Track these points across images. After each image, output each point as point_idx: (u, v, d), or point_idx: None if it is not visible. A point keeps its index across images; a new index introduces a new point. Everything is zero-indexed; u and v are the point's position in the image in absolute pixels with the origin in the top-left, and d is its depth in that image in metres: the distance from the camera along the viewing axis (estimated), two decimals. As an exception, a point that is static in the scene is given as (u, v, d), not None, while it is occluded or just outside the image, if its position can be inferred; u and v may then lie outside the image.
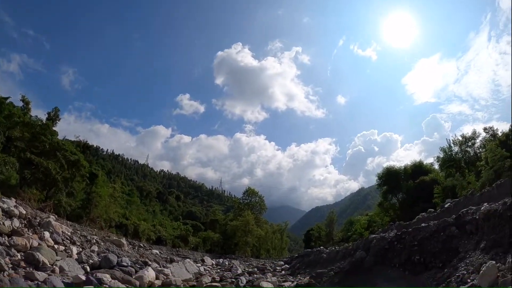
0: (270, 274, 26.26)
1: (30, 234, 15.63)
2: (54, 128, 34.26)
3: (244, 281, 19.73)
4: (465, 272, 10.74)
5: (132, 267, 16.28)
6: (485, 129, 41.85)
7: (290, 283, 20.31)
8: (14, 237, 13.84)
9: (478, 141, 42.85)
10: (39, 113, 61.30)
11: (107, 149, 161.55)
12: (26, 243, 13.78)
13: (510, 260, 9.38)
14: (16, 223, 15.80)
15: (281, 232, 70.69)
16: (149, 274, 15.23)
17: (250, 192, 69.88)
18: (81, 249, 18.34)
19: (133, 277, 14.64)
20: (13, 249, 13.00)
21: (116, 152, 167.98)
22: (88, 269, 14.80)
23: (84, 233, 23.82)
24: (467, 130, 53.03)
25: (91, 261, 16.00)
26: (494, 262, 9.58)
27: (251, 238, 58.68)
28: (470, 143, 43.41)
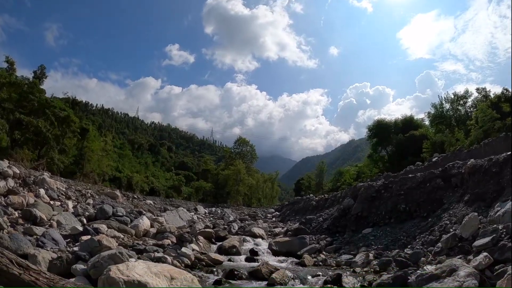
0: (261, 221, 27.02)
1: (26, 192, 15.78)
2: (41, 87, 33.58)
3: (236, 227, 20.34)
4: (448, 222, 11.29)
5: (127, 217, 16.68)
6: (477, 89, 42.25)
7: (281, 228, 21.02)
8: (10, 196, 14.03)
9: (469, 101, 43.19)
10: (25, 72, 60.12)
11: (97, 104, 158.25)
12: (22, 201, 13.96)
13: (492, 213, 9.85)
14: (11, 183, 15.93)
15: (271, 181, 71.45)
16: (144, 222, 15.61)
17: (241, 142, 70.20)
18: (76, 203, 18.66)
19: (129, 226, 15.01)
20: (10, 208, 13.20)
21: (106, 106, 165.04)
22: (85, 221, 15.11)
23: (78, 188, 24.05)
24: (460, 89, 53.28)
25: (87, 213, 16.33)
26: (476, 214, 10.07)
27: (242, 187, 59.44)
28: (461, 102, 43.62)
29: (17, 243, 9.11)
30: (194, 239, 13.82)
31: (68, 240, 11.48)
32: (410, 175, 16.07)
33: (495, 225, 8.81)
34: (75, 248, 9.92)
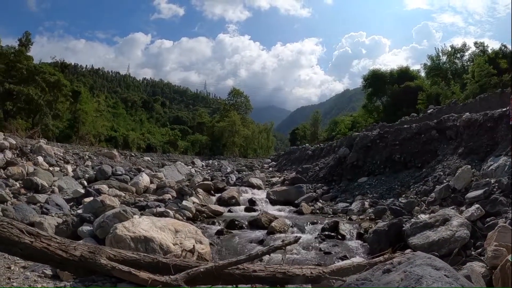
0: (258, 171, 27.40)
1: (24, 162, 15.64)
2: (28, 54, 32.95)
3: (234, 179, 20.70)
4: (442, 174, 11.57)
5: (127, 175, 16.74)
6: (475, 43, 41.80)
7: (278, 178, 21.40)
8: (9, 168, 13.95)
9: (467, 55, 43.01)
10: (9, 42, 57.96)
11: (86, 65, 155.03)
12: (22, 171, 13.86)
13: (485, 167, 10.17)
14: (9, 154, 15.85)
15: (267, 131, 71.44)
16: (144, 179, 15.69)
17: (235, 93, 69.49)
18: (75, 167, 18.63)
19: (129, 184, 15.09)
20: (11, 179, 13.11)
21: (96, 67, 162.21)
22: (85, 183, 15.07)
23: (76, 151, 23.99)
24: (458, 42, 52.81)
25: (87, 175, 16.32)
26: (469, 167, 10.36)
27: (238, 138, 59.60)
28: (458, 55, 43.42)
29: (22, 213, 9.24)
30: (193, 192, 14.04)
31: (71, 203, 11.58)
32: (405, 126, 16.22)
33: (487, 179, 9.08)
34: (79, 211, 10.00)
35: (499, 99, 16.35)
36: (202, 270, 4.58)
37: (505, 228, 5.67)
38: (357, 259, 6.35)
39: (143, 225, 6.95)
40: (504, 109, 11.79)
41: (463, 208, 8.37)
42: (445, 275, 3.45)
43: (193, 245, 6.44)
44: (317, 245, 8.42)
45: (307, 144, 36.10)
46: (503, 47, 35.80)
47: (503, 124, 11.35)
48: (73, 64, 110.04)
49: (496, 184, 8.55)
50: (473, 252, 6.30)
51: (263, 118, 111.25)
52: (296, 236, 7.25)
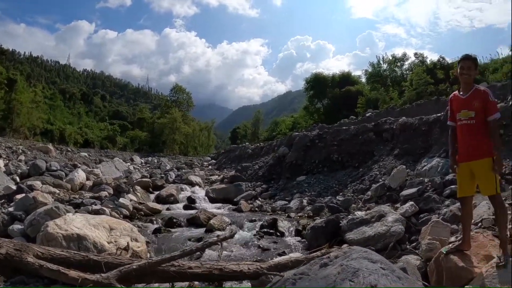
0: (197, 169, 27.08)
1: None
2: None
3: (173, 176, 20.33)
4: (378, 173, 11.93)
5: (62, 171, 15.96)
6: (415, 54, 44.38)
7: (217, 176, 21.26)
8: None
9: (406, 64, 45.46)
10: None
11: (24, 52, 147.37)
12: None
13: (419, 167, 10.58)
14: None
15: (208, 129, 71.19)
16: (80, 175, 15.01)
17: (177, 89, 68.93)
18: (8, 161, 17.62)
19: (64, 180, 14.41)
20: None
21: (35, 54, 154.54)
22: (18, 179, 14.22)
23: (8, 144, 22.93)
24: (399, 52, 55.73)
25: (19, 171, 15.45)
26: (404, 167, 10.75)
27: (178, 136, 58.99)
28: (399, 64, 45.63)
29: None
30: (131, 189, 13.61)
31: (2, 201, 10.78)
32: (344, 128, 16.59)
33: (421, 178, 9.51)
34: (10, 209, 9.37)
35: (434, 106, 17.06)
36: (134, 267, 4.38)
37: (437, 222, 5.87)
38: (295, 255, 6.37)
39: (76, 222, 6.61)
40: (438, 114, 12.32)
41: (398, 205, 8.62)
42: (381, 267, 3.50)
43: (128, 243, 6.22)
44: (256, 242, 8.35)
45: (247, 143, 36.19)
46: (441, 59, 37.77)
47: (436, 128, 11.90)
48: (10, 49, 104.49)
49: (430, 183, 8.93)
50: (408, 246, 6.47)
51: (205, 116, 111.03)
52: (232, 231, 7.19)
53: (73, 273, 4.19)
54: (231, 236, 6.01)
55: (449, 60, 36.75)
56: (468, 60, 4.55)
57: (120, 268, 4.34)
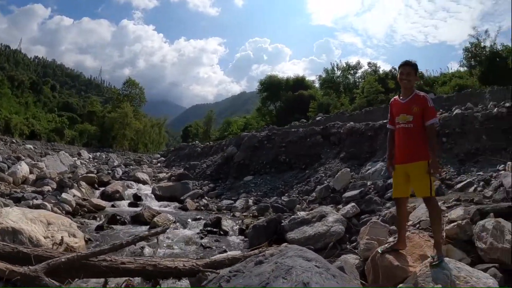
0: (146, 166, 26.66)
1: None
2: None
3: (120, 172, 19.88)
4: (323, 175, 12.11)
5: (4, 163, 15.28)
6: (369, 63, 46.46)
7: (165, 174, 20.98)
8: None
9: (360, 72, 47.09)
10: None
11: None
12: None
13: (363, 171, 10.80)
14: None
15: (159, 126, 70.12)
16: (23, 169, 14.42)
17: (130, 83, 67.20)
18: None
19: (6, 173, 13.83)
20: None
21: None
22: None
23: None
24: (354, 61, 57.91)
25: None
26: (349, 169, 10.96)
27: (129, 131, 57.72)
28: (352, 72, 47.03)
29: None
30: (76, 184, 13.21)
31: None
32: (293, 130, 16.82)
33: (364, 181, 9.74)
34: None
35: (383, 113, 17.49)
36: (63, 260, 4.15)
37: (376, 223, 5.97)
38: (233, 253, 6.31)
39: (12, 216, 6.27)
40: (385, 121, 12.63)
41: (340, 206, 8.79)
42: (315, 265, 3.51)
43: (62, 237, 5.99)
44: (199, 240, 8.26)
45: (197, 142, 35.95)
46: (393, 69, 38.83)
47: (382, 133, 12.21)
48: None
49: (372, 185, 9.17)
50: (348, 246, 6.55)
51: (157, 112, 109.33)
52: (164, 226, 7.07)
53: (0, 264, 3.96)
54: (163, 231, 5.87)
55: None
56: (408, 66, 4.63)
57: (48, 261, 4.12)
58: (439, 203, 7.30)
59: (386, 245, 5.03)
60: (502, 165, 9.43)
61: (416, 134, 4.51)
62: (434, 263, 4.15)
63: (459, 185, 8.90)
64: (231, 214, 11.46)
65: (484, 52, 30.72)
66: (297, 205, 10.46)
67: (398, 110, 4.64)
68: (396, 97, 4.84)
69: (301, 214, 7.94)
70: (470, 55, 32.13)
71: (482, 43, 31.26)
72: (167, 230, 8.84)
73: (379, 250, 4.91)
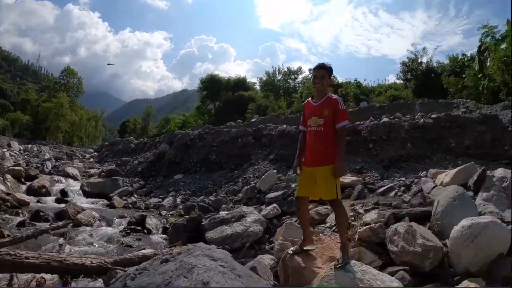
0: (77, 160, 25.75)
1: None
2: None
3: (50, 166, 19.12)
4: (252, 176, 12.22)
5: None
6: (310, 69, 46.72)
7: (96, 169, 20.40)
8: None
9: (300, 77, 48.10)
10: None
11: None
12: None
13: (291, 173, 10.96)
14: None
15: (96, 119, 67.69)
16: None
17: (68, 72, 63.68)
18: None
19: None
20: None
21: None
22: None
23: None
24: (296, 66, 59.37)
25: None
26: (275, 171, 11.11)
27: (63, 123, 54.97)
28: (293, 76, 47.81)
29: None
30: (1, 178, 12.62)
31: None
32: (225, 130, 16.84)
33: (289, 183, 9.88)
34: None
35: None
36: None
37: (291, 224, 6.06)
38: (146, 251, 6.26)
39: None
40: None
41: (263, 207, 8.84)
42: (220, 265, 3.54)
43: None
44: (121, 238, 8.09)
45: (131, 137, 35.21)
46: (333, 77, 39.76)
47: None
48: None
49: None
50: (266, 247, 6.62)
51: (95, 104, 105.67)
52: (66, 221, 6.89)
53: None
54: (65, 226, 5.74)
55: (340, 79, 39.47)
56: (322, 69, 4.64)
57: None
58: (358, 206, 7.58)
59: (296, 246, 5.11)
60: (424, 172, 9.88)
61: (326, 138, 4.53)
62: (338, 265, 4.22)
63: (380, 190, 9.21)
64: (158, 212, 11.32)
65: (420, 68, 32.81)
66: (223, 205, 10.47)
67: (310, 113, 4.67)
68: (310, 99, 4.87)
69: (222, 214, 7.95)
70: (406, 69, 34.07)
71: (419, 59, 33.30)
72: (90, 228, 8.67)
73: (289, 251, 4.97)
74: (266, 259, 5.74)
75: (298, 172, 4.81)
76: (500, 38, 22.76)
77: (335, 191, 4.45)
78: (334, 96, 4.68)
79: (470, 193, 7.16)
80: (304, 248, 4.91)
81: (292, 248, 5.02)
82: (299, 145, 4.95)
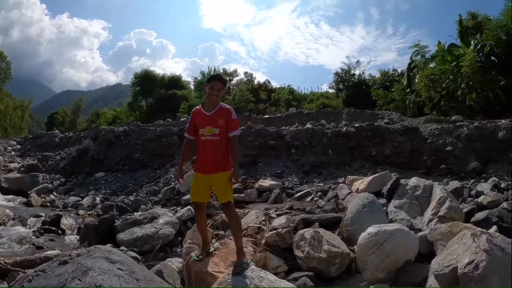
0: (-3, 154, 24.57)
1: None
2: None
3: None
4: (173, 176, 12.11)
5: None
6: (245, 73, 49.04)
7: (17, 164, 19.50)
8: None
9: (235, 80, 48.39)
10: None
11: None
12: None
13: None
14: None
15: (23, 109, 64.31)
16: None
17: (-4, 55, 60.55)
18: None
19: None
20: None
21: None
22: None
23: None
24: (234, 68, 60.65)
25: None
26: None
27: (-15, 111, 52.33)
28: (228, 78, 47.98)
29: None
30: None
31: None
32: (151, 128, 16.59)
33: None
34: None
35: (246, 120, 18.25)
36: None
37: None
38: (51, 252, 6.12)
39: None
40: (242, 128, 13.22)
41: (179, 208, 8.86)
42: (118, 268, 3.55)
43: None
44: (34, 238, 7.81)
45: (56, 131, 33.89)
46: (267, 82, 42.65)
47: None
48: None
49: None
50: (178, 249, 6.68)
51: (24, 92, 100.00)
52: None
53: None
54: None
55: (275, 84, 40.59)
56: (220, 82, 4.89)
57: None
58: (271, 210, 7.76)
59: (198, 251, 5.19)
60: (343, 178, 10.26)
61: (222, 146, 4.76)
62: (236, 271, 4.33)
63: (297, 194, 9.50)
64: (76, 212, 10.93)
65: (352, 79, 34.99)
66: (142, 206, 10.35)
67: (203, 122, 4.79)
68: (199, 107, 4.99)
69: (135, 214, 7.88)
70: (339, 79, 36.15)
71: (352, 71, 35.59)
72: (2, 227, 8.29)
73: (192, 255, 5.04)
74: (175, 263, 5.79)
75: (181, 182, 5.06)
76: (429, 57, 24.82)
77: (230, 195, 4.73)
78: (226, 105, 4.92)
79: (383, 200, 7.56)
80: (209, 251, 5.04)
81: (194, 253, 5.10)
82: (184, 154, 5.17)
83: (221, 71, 48.05)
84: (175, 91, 43.85)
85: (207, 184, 4.84)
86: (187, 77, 70.53)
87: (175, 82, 48.38)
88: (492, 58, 19.46)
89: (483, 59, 19.40)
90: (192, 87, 49.96)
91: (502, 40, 20.04)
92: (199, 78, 48.67)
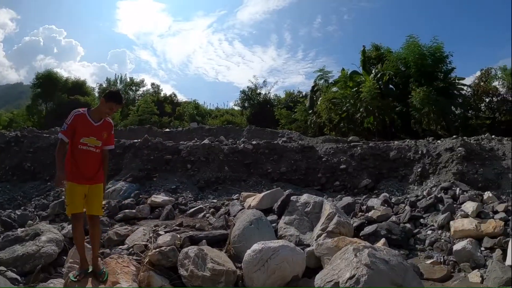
0: None
1: None
2: None
3: None
4: (64, 189, 11.66)
5: None
6: (152, 84, 49.96)
7: None
8: None
9: (141, 90, 49.17)
10: None
11: None
12: None
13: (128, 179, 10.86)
14: None
15: None
16: None
17: None
18: None
19: None
20: None
21: None
22: None
23: None
24: (140, 78, 59.94)
25: None
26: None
27: None
28: (134, 88, 47.71)
29: None
30: None
31: None
32: (45, 135, 15.70)
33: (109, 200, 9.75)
34: None
35: (146, 133, 18.11)
36: None
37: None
38: None
39: None
40: (135, 141, 13.26)
41: (66, 224, 8.55)
42: None
43: None
44: None
45: None
46: (173, 95, 44.55)
47: (130, 153, 12.76)
48: None
49: (106, 205, 9.24)
50: (63, 269, 6.30)
51: None
52: None
53: None
54: None
55: (182, 98, 41.21)
56: (121, 105, 5.09)
57: None
58: (161, 227, 7.78)
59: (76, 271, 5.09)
60: (237, 195, 10.50)
61: (100, 158, 4.93)
62: (74, 279, 4.67)
63: (190, 211, 9.57)
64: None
65: (258, 98, 36.30)
66: (30, 221, 9.70)
67: (88, 132, 4.77)
68: (84, 113, 4.87)
69: (18, 231, 7.50)
70: (245, 97, 37.10)
71: (258, 90, 37.49)
72: None
73: (70, 276, 4.93)
74: (58, 284, 5.56)
75: (63, 184, 4.76)
76: (332, 82, 26.88)
77: (102, 207, 5.10)
78: (109, 119, 5.04)
79: (273, 217, 7.87)
80: (87, 271, 4.96)
81: (72, 273, 4.99)
82: (61, 157, 4.82)
83: (129, 79, 47.20)
84: (78, 97, 41.80)
85: (82, 195, 4.82)
86: (93, 83, 67.73)
87: (79, 87, 46.12)
88: (390, 86, 21.53)
89: (382, 86, 21.21)
90: (97, 94, 48.00)
91: (400, 70, 22.23)
92: (104, 86, 47.33)
